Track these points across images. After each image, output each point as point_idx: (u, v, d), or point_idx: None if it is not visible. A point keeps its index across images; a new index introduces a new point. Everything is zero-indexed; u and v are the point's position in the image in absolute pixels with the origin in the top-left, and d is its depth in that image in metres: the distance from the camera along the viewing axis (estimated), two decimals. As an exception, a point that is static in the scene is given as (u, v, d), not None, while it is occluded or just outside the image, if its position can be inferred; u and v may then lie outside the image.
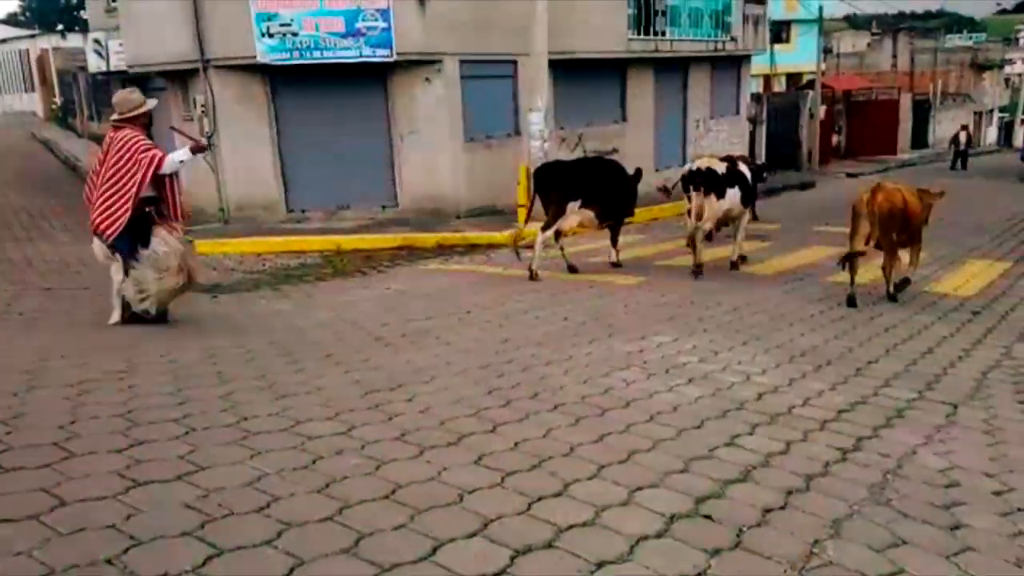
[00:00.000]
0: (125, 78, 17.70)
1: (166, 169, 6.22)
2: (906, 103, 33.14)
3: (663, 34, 18.27)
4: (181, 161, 6.38)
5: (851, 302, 7.91)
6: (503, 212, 14.82)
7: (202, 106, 13.51)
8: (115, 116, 6.34)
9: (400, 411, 4.25)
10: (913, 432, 4.40)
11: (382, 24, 13.03)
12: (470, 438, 3.91)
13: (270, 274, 10.27)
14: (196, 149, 6.67)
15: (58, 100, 28.63)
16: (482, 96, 14.99)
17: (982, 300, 8.35)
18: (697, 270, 9.44)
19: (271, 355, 5.54)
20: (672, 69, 19.63)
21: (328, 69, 13.34)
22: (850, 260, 7.89)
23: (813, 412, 4.65)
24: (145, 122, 6.37)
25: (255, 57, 13.01)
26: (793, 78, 38.53)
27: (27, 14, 58.51)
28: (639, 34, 17.56)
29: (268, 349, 5.78)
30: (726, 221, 10.33)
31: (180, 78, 14.56)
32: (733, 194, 9.50)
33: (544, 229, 9.43)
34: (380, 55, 13.17)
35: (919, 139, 36.24)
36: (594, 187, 9.66)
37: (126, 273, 6.20)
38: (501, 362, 5.46)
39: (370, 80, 13.86)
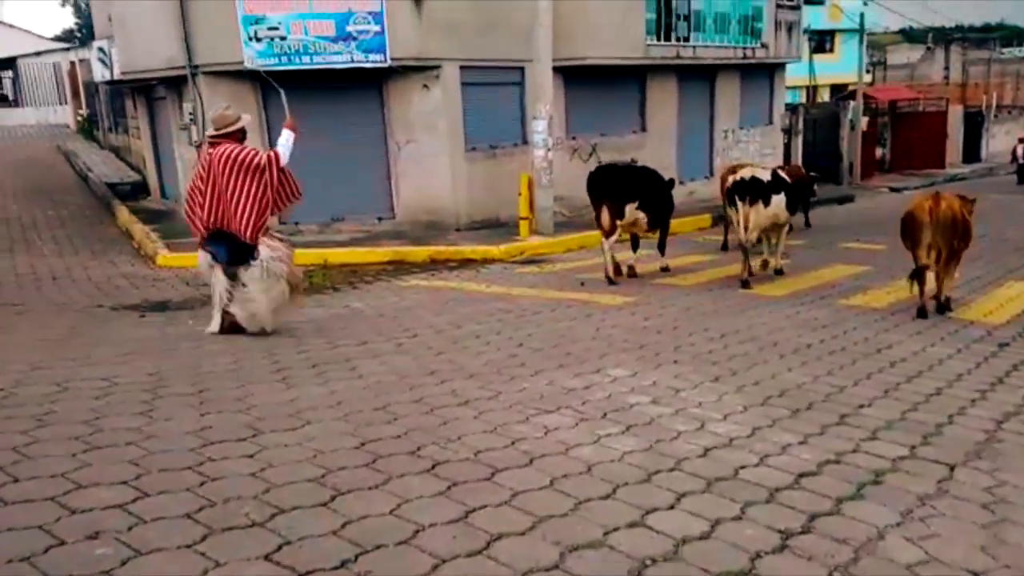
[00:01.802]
0: (133, 87, 17.33)
1: (284, 160, 6.44)
2: (956, 115, 31.52)
3: (686, 40, 17.32)
4: (290, 144, 6.54)
5: (922, 314, 7.63)
6: (506, 225, 14.04)
7: (190, 114, 12.97)
8: (211, 132, 6.47)
9: (222, 474, 3.42)
10: (888, 506, 3.46)
11: (375, 28, 12.35)
12: (285, 518, 3.04)
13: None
14: (291, 127, 6.67)
15: (84, 112, 28.63)
16: (486, 104, 14.23)
17: (1014, 329, 7.27)
18: (746, 281, 9.37)
19: (133, 389, 4.75)
20: (697, 77, 18.66)
21: (322, 75, 12.70)
22: (919, 275, 7.60)
23: (766, 475, 3.73)
24: (240, 138, 6.48)
25: (243, 63, 12.40)
26: (837, 89, 37.11)
27: (82, 31, 59.62)
28: (659, 40, 16.64)
29: (134, 383, 4.95)
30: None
31: (175, 85, 14.06)
32: (779, 200, 9.48)
33: (608, 235, 9.67)
34: (373, 60, 12.49)
35: (971, 153, 34.51)
36: (645, 192, 9.81)
37: (230, 280, 6.46)
38: (407, 401, 4.63)
39: (366, 87, 13.19)
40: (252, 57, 12.33)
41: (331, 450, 3.71)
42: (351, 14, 12.24)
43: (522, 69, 14.27)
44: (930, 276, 7.72)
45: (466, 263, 11.85)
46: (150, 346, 6.14)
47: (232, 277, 6.49)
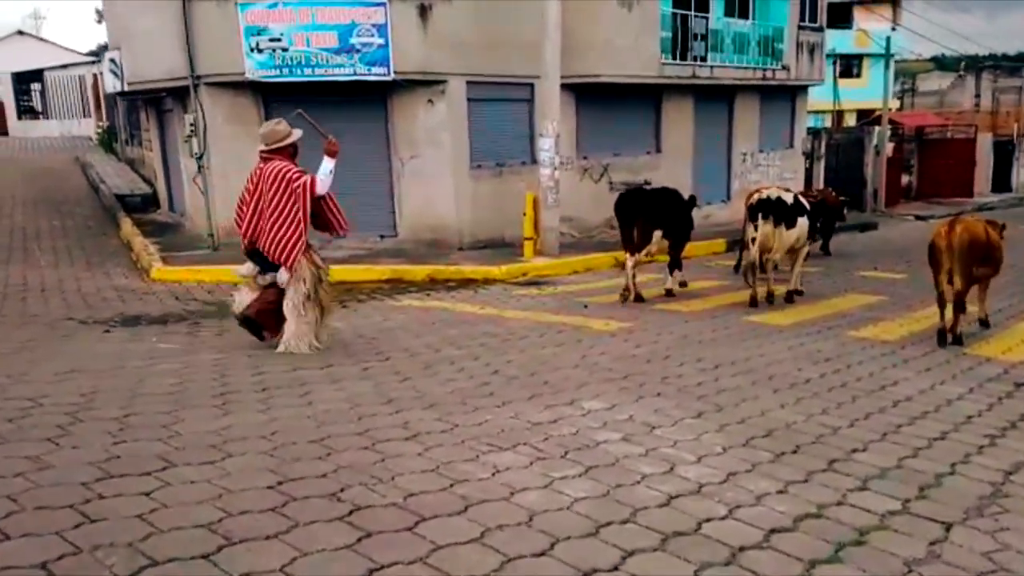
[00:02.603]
0: (144, 98, 17.23)
1: (320, 189, 6.30)
2: (985, 142, 30.78)
3: (703, 60, 16.93)
4: (329, 172, 6.40)
5: (941, 340, 7.45)
6: (511, 245, 13.65)
7: (191, 125, 12.76)
8: (262, 147, 6.38)
9: (104, 514, 2.98)
10: (867, 573, 3.01)
11: (379, 40, 12.09)
12: (156, 572, 2.63)
13: (216, 305, 9.26)
14: (330, 152, 6.52)
15: (103, 124, 28.75)
16: (493, 121, 13.93)
17: (1033, 367, 6.75)
18: (754, 301, 9.31)
19: (55, 412, 4.35)
20: (715, 98, 18.24)
21: (325, 88, 12.44)
22: (940, 301, 7.52)
23: (732, 531, 3.29)
24: (291, 152, 6.41)
25: (244, 74, 12.18)
26: (864, 115, 36.51)
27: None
28: (675, 59, 16.26)
29: (59, 405, 4.54)
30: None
31: (180, 96, 13.87)
32: (802, 223, 9.53)
33: (633, 254, 9.67)
34: (376, 73, 12.22)
35: (1001, 182, 33.70)
36: (668, 215, 9.84)
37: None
38: (350, 433, 4.23)
39: (369, 101, 12.92)
40: (252, 68, 12.11)
41: (240, 489, 3.32)
42: (355, 26, 11.99)
43: (531, 86, 13.93)
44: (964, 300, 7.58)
45: (466, 283, 11.48)
46: (97, 364, 5.80)
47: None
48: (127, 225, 15.12)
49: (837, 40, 35.29)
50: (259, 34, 12.01)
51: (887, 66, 25.68)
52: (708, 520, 3.39)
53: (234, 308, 6.67)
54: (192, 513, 3.04)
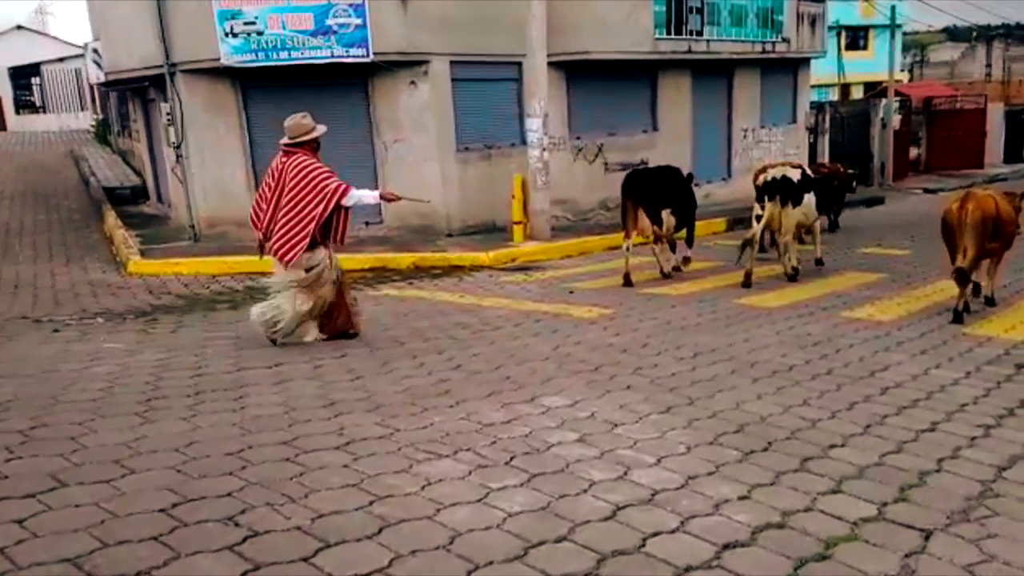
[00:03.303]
0: (130, 88, 16.87)
1: (348, 201, 6.18)
2: (996, 113, 30.00)
3: (699, 34, 16.40)
4: (366, 199, 6.43)
5: (958, 318, 7.18)
6: (502, 230, 13.27)
7: (167, 114, 12.42)
8: (285, 140, 6.23)
9: None
10: (829, 596, 2.64)
11: (356, 20, 11.67)
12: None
13: (187, 299, 8.94)
14: (386, 198, 6.79)
15: (98, 116, 28.48)
16: (480, 101, 13.50)
17: (1037, 347, 6.33)
18: (747, 282, 9.15)
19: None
20: (713, 73, 17.70)
21: (304, 72, 12.06)
22: (958, 278, 7.14)
23: (681, 548, 2.93)
24: (314, 147, 6.26)
25: (219, 59, 11.80)
26: (872, 88, 35.77)
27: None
28: (669, 34, 15.74)
29: None
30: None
31: (162, 85, 13.50)
32: (809, 199, 9.46)
33: (656, 240, 9.80)
34: (355, 55, 11.81)
35: (1013, 152, 32.93)
36: (675, 193, 9.76)
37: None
38: (275, 443, 3.89)
39: (350, 84, 12.52)
40: (228, 53, 11.72)
41: (128, 514, 2.98)
42: (330, 6, 11.57)
43: (519, 65, 13.48)
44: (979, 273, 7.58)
45: (452, 270, 11.11)
46: (28, 368, 5.47)
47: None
48: (111, 218, 14.81)
49: (842, 11, 34.55)
50: (233, 18, 11.61)
51: (892, 36, 25.02)
52: (655, 535, 3.03)
53: (307, 339, 6.40)
54: (61, 544, 2.71)
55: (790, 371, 5.59)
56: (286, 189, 6.07)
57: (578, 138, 15.22)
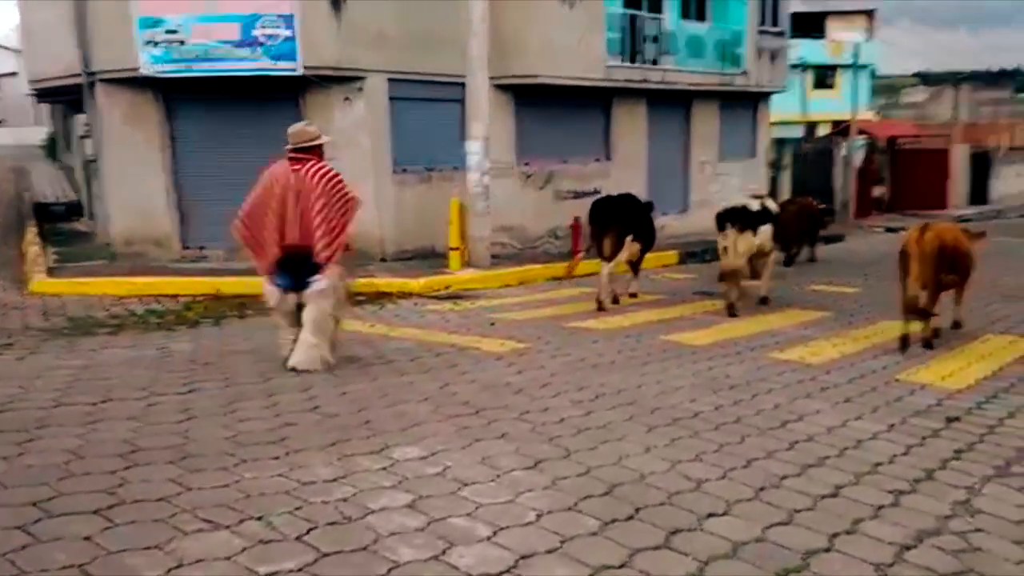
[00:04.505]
0: (69, 100, 16.18)
1: (354, 215, 6.41)
2: (959, 154, 29.91)
3: (654, 63, 16.02)
4: None
5: (904, 346, 7.12)
6: (442, 256, 12.63)
7: (84, 126, 11.74)
8: (289, 147, 6.17)
9: None
10: None
11: (285, 32, 11.10)
12: None
13: (74, 322, 8.24)
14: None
15: (49, 131, 27.72)
16: (421, 122, 12.94)
17: (974, 397, 5.76)
18: (732, 309, 9.17)
19: None
20: (671, 104, 17.31)
21: (230, 85, 11.45)
22: (912, 312, 7.12)
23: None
24: (319, 155, 6.26)
25: (139, 69, 11.16)
26: (838, 126, 35.78)
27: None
28: (624, 61, 15.34)
29: None
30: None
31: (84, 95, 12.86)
32: (765, 230, 9.57)
33: (607, 262, 9.70)
34: (283, 68, 11.22)
35: (978, 194, 32.94)
36: (637, 220, 10.05)
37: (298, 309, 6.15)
38: (18, 504, 3.19)
39: (280, 99, 11.90)
40: (148, 63, 11.09)
41: None
42: (258, 16, 10.99)
43: (463, 86, 12.94)
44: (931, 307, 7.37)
45: (377, 297, 10.44)
46: None
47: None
48: (30, 234, 14.05)
49: (810, 50, 34.62)
50: (154, 26, 11.00)
51: (855, 74, 24.90)
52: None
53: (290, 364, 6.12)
54: None
55: (694, 418, 4.99)
56: (314, 196, 6.04)
57: (527, 164, 14.70)
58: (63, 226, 16.13)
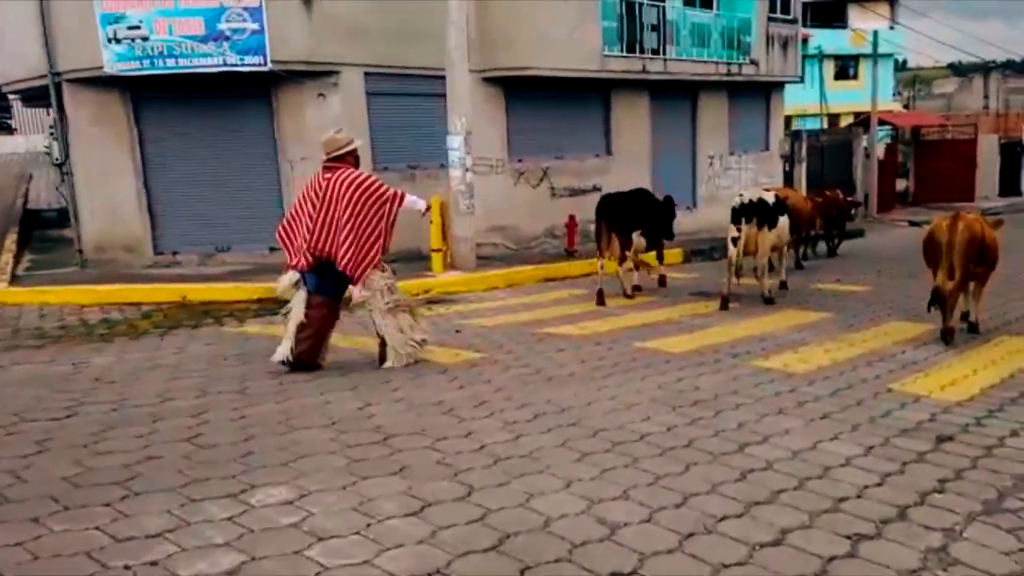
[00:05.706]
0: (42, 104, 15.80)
1: (405, 207, 6.31)
2: (988, 144, 28.75)
3: (655, 53, 15.29)
4: (417, 206, 6.54)
5: (946, 337, 6.96)
6: (427, 258, 12.02)
7: (51, 127, 11.29)
8: (323, 157, 6.12)
9: None
10: None
11: (252, 26, 10.55)
12: None
13: (21, 334, 7.76)
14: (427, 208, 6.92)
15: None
16: (402, 117, 12.38)
17: (974, 411, 5.00)
18: (724, 304, 8.95)
19: None
20: (675, 95, 16.60)
21: (198, 82, 10.94)
22: (939, 301, 6.98)
23: None
24: (353, 161, 6.18)
25: (103, 68, 10.67)
26: (860, 117, 34.69)
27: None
28: (622, 52, 14.63)
29: None
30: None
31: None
32: (783, 223, 9.51)
33: (621, 261, 9.82)
34: (250, 64, 10.67)
35: (1009, 185, 31.71)
36: (646, 217, 9.99)
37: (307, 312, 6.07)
38: None
39: (251, 96, 11.40)
40: (111, 61, 10.60)
41: None
42: (223, 9, 10.46)
43: (445, 79, 12.34)
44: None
45: (347, 302, 9.85)
46: None
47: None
48: (8, 241, 13.68)
49: (831, 39, 33.56)
50: (116, 22, 10.50)
51: (875, 62, 23.92)
52: None
53: (274, 357, 6.05)
54: None
55: (638, 442, 4.31)
56: (342, 205, 5.92)
57: (520, 160, 14.06)
58: (52, 233, 15.80)
